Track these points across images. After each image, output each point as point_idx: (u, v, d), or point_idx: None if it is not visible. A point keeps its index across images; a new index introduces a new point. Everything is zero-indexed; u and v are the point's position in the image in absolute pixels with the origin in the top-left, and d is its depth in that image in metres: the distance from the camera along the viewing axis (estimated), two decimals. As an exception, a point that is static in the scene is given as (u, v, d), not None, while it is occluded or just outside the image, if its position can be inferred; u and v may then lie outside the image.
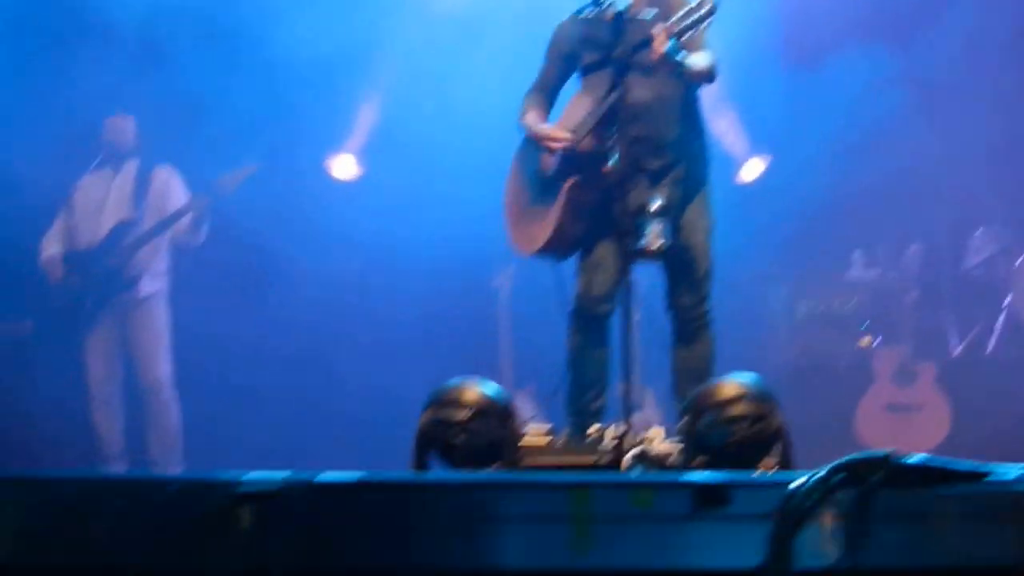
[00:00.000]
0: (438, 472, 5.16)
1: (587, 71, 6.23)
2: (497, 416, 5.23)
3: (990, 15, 9.16)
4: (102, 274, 8.68)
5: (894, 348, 9.07)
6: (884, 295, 9.40)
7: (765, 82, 9.44)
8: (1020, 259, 9.34)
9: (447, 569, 3.08)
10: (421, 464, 5.32)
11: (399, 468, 5.29)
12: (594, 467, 5.40)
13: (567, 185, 6.07)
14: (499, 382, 9.04)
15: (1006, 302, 9.33)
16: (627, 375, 5.53)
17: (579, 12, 6.18)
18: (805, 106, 9.45)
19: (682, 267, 6.12)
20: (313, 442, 8.75)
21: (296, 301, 9.59)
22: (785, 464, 5.04)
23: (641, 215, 5.60)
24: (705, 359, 6.20)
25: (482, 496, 3.10)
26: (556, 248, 6.28)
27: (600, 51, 5.90)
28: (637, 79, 5.81)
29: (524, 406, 9.40)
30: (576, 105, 6.20)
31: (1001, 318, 9.35)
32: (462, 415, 5.18)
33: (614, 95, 5.74)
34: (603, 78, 5.97)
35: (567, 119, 6.20)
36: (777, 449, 5.03)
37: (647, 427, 5.69)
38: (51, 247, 8.89)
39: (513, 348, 9.51)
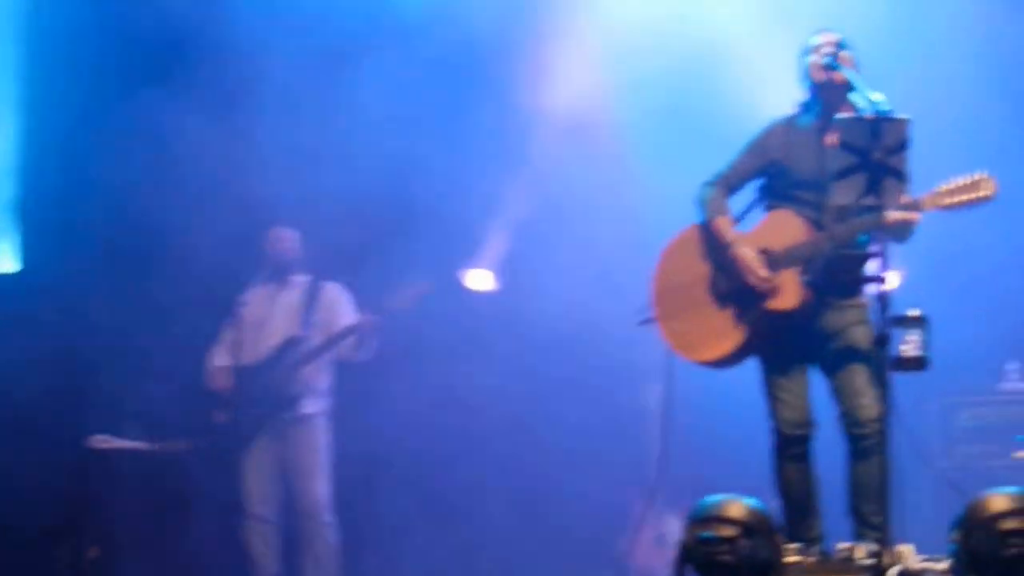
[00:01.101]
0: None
1: (799, 185, 6.17)
2: (765, 533, 5.21)
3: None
4: (266, 390, 8.63)
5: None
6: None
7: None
8: None
9: None
10: (682, 584, 5.30)
11: None
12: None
13: (766, 305, 6.05)
14: (655, 497, 9.20)
15: None
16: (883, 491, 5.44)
17: (801, 115, 6.23)
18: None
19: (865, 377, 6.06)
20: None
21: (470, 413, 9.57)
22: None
23: (899, 322, 5.53)
24: (884, 473, 6.10)
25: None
26: (728, 362, 6.28)
27: (853, 153, 5.60)
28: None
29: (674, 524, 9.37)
30: (786, 223, 6.13)
31: None
32: (729, 532, 5.17)
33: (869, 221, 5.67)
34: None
35: (771, 234, 6.14)
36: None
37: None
38: (219, 359, 8.84)
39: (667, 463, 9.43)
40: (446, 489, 9.51)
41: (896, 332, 5.52)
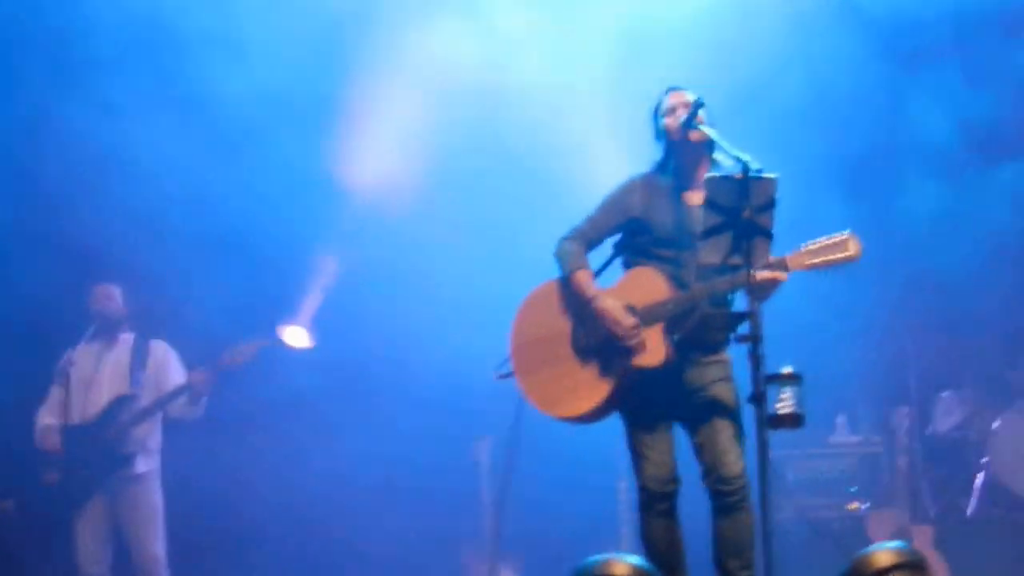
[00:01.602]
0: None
1: (658, 243, 6.17)
2: (648, 591, 5.17)
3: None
4: (97, 450, 8.39)
5: (887, 511, 9.15)
6: (870, 459, 9.54)
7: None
8: (996, 422, 9.59)
9: None
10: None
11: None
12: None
13: (631, 362, 6.01)
14: (484, 552, 9.21)
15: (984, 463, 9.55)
16: (768, 543, 5.45)
17: (656, 173, 6.25)
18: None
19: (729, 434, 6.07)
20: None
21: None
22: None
23: (772, 381, 5.53)
24: (749, 528, 6.08)
25: None
26: (591, 418, 6.19)
27: (720, 213, 5.60)
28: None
29: (512, 577, 9.39)
30: (648, 280, 6.08)
31: (980, 479, 9.56)
32: (618, 589, 5.12)
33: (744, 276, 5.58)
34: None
35: (633, 290, 6.10)
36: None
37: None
38: (47, 418, 8.60)
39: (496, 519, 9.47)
40: (273, 544, 9.44)
41: (770, 390, 5.51)
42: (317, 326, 9.61)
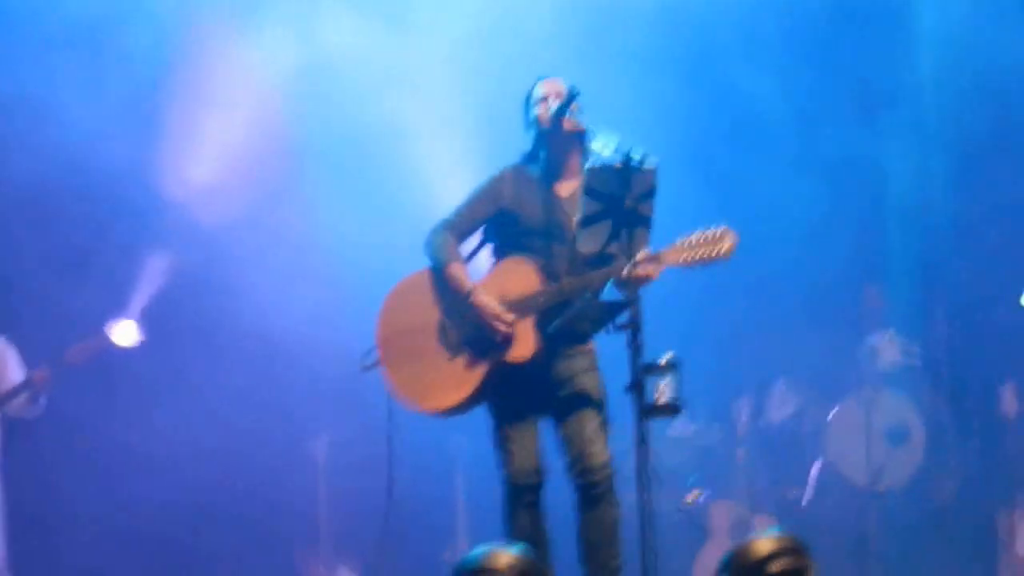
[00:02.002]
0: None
1: (528, 234, 6.07)
2: (537, 580, 5.08)
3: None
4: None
5: (727, 502, 9.23)
6: (707, 450, 9.62)
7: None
8: (832, 412, 9.75)
9: None
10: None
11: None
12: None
13: (502, 356, 5.93)
14: (319, 553, 9.10)
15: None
16: (644, 538, 5.43)
17: (526, 163, 6.18)
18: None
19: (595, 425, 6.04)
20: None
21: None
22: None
23: (649, 370, 5.50)
24: (615, 523, 6.07)
25: None
26: (457, 411, 6.13)
27: (600, 202, 5.58)
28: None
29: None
30: (519, 272, 5.99)
31: (815, 469, 9.72)
32: (504, 581, 5.02)
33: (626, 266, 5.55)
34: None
35: (505, 282, 6.01)
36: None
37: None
38: None
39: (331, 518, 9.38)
40: (117, 544, 9.13)
41: (648, 379, 5.49)
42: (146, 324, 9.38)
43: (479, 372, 5.98)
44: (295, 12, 9.54)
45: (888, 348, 9.83)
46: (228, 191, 9.36)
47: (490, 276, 6.12)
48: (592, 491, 5.97)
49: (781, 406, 10.13)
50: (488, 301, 5.95)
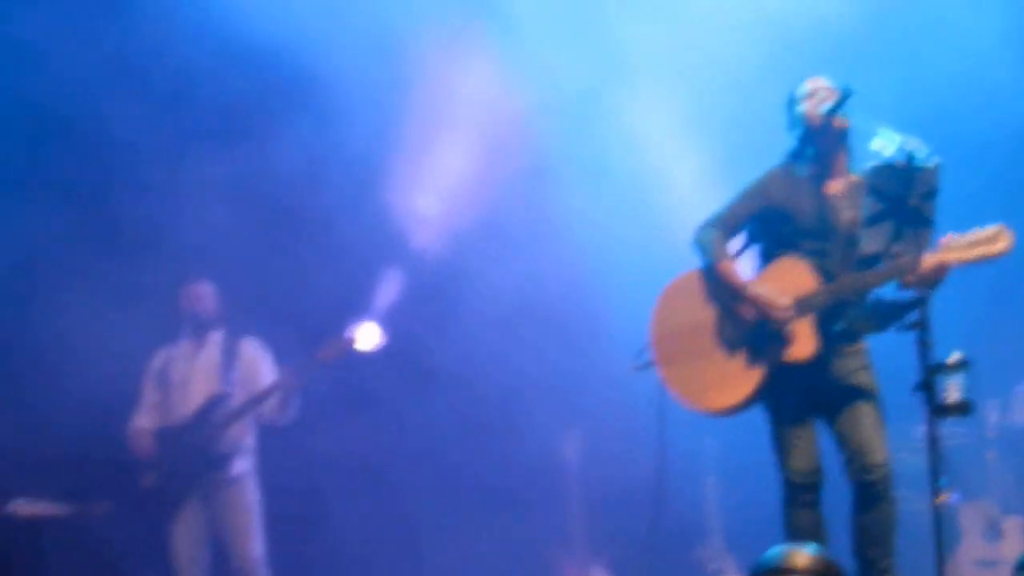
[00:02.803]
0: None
1: (800, 234, 6.12)
2: (835, 580, 5.13)
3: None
4: (193, 451, 8.27)
5: (978, 502, 9.13)
6: (956, 451, 9.50)
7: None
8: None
9: None
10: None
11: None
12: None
13: (783, 355, 5.98)
14: (574, 552, 9.20)
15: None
16: (940, 550, 5.43)
17: (791, 162, 6.21)
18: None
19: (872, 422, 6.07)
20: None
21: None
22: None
23: (940, 369, 5.51)
24: (892, 521, 6.11)
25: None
26: (737, 410, 6.19)
27: (882, 201, 5.71)
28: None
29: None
30: (793, 271, 6.03)
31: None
32: (802, 582, 5.07)
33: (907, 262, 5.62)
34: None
35: (778, 281, 6.05)
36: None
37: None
38: (140, 421, 8.51)
39: (587, 517, 9.48)
40: (366, 544, 9.37)
41: (938, 379, 5.50)
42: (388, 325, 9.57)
43: (758, 371, 6.05)
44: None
45: None
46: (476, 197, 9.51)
47: (763, 276, 6.17)
48: (870, 490, 6.01)
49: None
50: (764, 291, 6.01)
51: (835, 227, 6.03)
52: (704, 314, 6.21)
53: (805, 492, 6.14)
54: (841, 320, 5.92)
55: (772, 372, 6.03)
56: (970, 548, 9.00)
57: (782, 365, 6.00)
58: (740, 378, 6.09)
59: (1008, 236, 5.55)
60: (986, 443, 9.43)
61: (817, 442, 6.17)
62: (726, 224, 6.27)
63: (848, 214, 6.00)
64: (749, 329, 6.08)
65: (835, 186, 6.12)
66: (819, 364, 6.02)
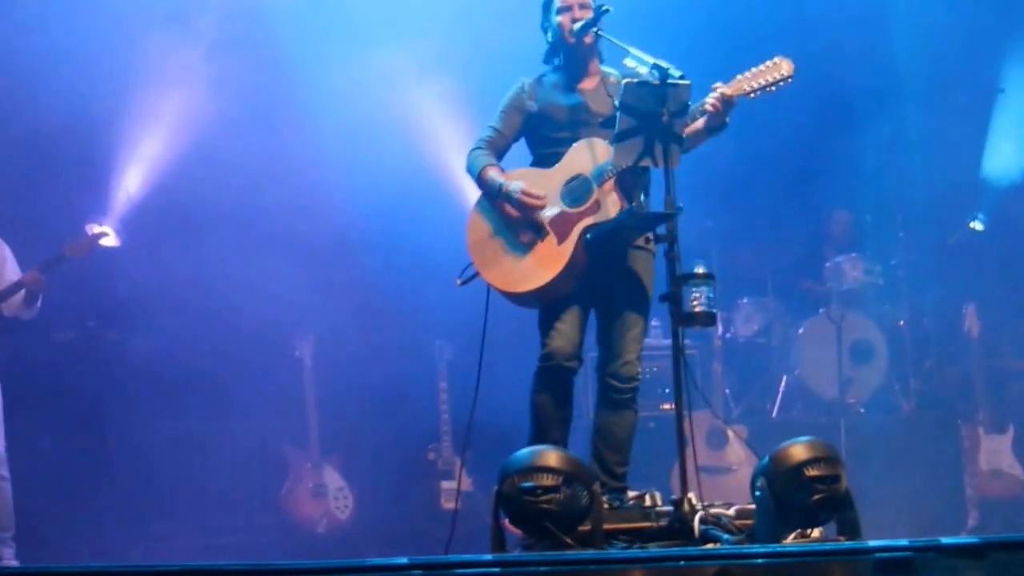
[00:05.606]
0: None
1: (558, 142, 6.27)
2: (583, 481, 5.32)
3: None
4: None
5: (701, 412, 9.48)
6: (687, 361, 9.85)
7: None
8: (802, 328, 10.11)
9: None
10: (499, 531, 5.37)
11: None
12: (657, 530, 5.62)
13: (576, 238, 6.08)
14: (307, 450, 9.34)
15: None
16: (681, 441, 5.68)
17: (549, 73, 6.43)
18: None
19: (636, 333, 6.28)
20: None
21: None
22: (854, 524, 5.38)
23: (686, 281, 5.74)
24: (631, 428, 6.33)
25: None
26: (557, 284, 6.15)
27: (634, 117, 5.82)
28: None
29: (332, 475, 9.53)
30: (596, 147, 6.14)
31: (783, 382, 10.08)
32: (550, 481, 5.24)
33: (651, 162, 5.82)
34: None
35: (579, 160, 6.17)
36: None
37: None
38: None
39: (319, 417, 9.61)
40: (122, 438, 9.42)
41: (685, 289, 5.72)
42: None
43: (567, 246, 6.11)
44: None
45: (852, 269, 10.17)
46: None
47: (562, 162, 6.25)
48: (617, 395, 6.22)
49: (747, 322, 10.45)
50: (514, 187, 6.19)
51: (588, 120, 6.26)
52: (497, 221, 6.30)
53: (560, 373, 6.18)
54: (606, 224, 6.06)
55: (578, 249, 6.10)
56: (696, 455, 9.34)
57: (589, 228, 6.08)
58: (553, 256, 6.14)
59: (789, 63, 5.98)
60: (712, 355, 9.82)
61: (583, 330, 6.25)
62: (492, 143, 6.42)
63: (600, 106, 6.27)
64: (524, 223, 6.21)
65: (588, 83, 6.37)
66: (603, 259, 6.15)
